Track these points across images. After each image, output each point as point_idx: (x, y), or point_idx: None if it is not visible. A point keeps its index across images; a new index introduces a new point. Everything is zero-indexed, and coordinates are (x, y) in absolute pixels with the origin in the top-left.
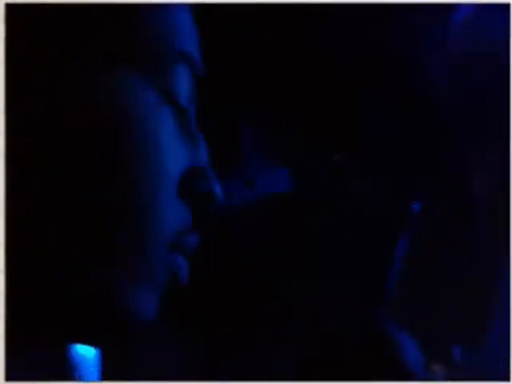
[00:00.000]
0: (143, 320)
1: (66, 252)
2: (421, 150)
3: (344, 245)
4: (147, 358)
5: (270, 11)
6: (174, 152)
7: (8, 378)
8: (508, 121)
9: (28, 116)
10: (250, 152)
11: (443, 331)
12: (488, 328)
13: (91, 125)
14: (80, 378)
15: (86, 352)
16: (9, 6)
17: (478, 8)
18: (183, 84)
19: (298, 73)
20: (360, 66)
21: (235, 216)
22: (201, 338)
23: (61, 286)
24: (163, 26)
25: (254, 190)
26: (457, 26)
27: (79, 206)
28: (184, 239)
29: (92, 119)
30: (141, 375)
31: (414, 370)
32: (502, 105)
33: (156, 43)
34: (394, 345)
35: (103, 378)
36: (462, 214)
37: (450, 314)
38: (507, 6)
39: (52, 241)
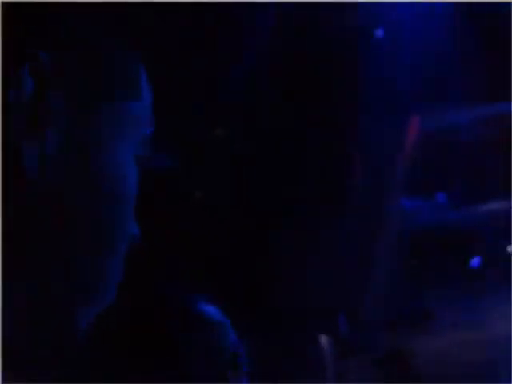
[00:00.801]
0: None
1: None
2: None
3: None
4: None
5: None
6: None
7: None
8: None
9: None
10: None
11: (328, 304)
12: (364, 300)
13: None
14: None
15: None
16: (5, 5)
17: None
18: None
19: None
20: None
21: None
22: None
23: None
24: None
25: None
26: None
27: None
28: None
29: None
30: None
31: (222, 342)
32: None
33: None
34: (199, 317)
35: None
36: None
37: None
38: (508, 4)
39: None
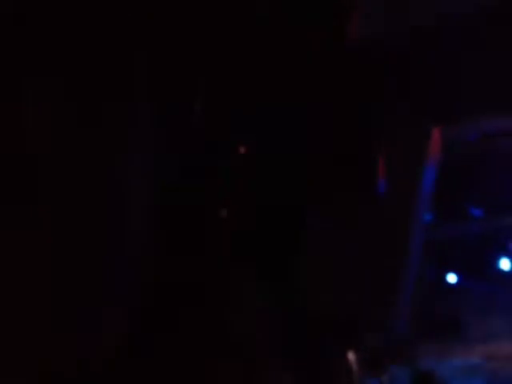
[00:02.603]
0: None
1: None
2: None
3: None
4: None
5: None
6: None
7: None
8: None
9: None
10: None
11: (354, 318)
12: (393, 315)
13: None
14: None
15: None
16: None
17: None
18: None
19: None
20: None
21: None
22: None
23: None
24: None
25: None
26: None
27: None
28: None
29: None
30: None
31: None
32: None
33: None
34: None
35: None
36: (369, 199)
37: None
38: None
39: None
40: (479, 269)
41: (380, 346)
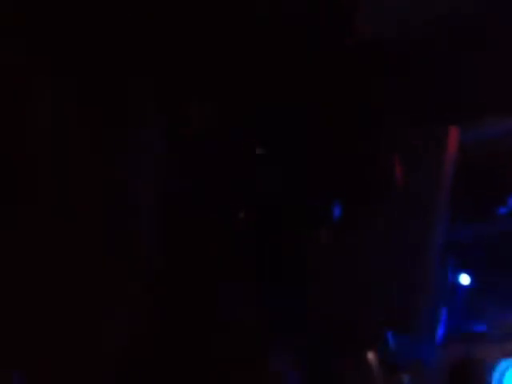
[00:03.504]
0: None
1: None
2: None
3: None
4: None
5: None
6: None
7: None
8: None
9: None
10: None
11: (376, 318)
12: (417, 315)
13: None
14: None
15: None
16: None
17: None
18: None
19: None
20: None
21: None
22: None
23: None
24: None
25: None
26: None
27: None
28: None
29: None
30: None
31: None
32: None
33: None
34: None
35: None
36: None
37: (381, 301)
38: None
39: None
40: (500, 266)
41: (401, 346)
